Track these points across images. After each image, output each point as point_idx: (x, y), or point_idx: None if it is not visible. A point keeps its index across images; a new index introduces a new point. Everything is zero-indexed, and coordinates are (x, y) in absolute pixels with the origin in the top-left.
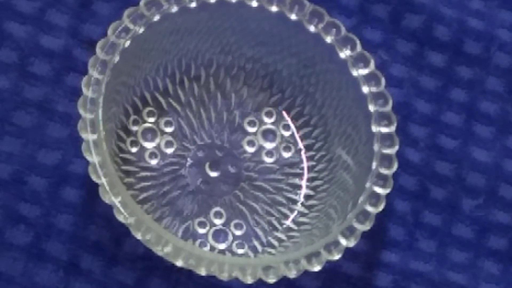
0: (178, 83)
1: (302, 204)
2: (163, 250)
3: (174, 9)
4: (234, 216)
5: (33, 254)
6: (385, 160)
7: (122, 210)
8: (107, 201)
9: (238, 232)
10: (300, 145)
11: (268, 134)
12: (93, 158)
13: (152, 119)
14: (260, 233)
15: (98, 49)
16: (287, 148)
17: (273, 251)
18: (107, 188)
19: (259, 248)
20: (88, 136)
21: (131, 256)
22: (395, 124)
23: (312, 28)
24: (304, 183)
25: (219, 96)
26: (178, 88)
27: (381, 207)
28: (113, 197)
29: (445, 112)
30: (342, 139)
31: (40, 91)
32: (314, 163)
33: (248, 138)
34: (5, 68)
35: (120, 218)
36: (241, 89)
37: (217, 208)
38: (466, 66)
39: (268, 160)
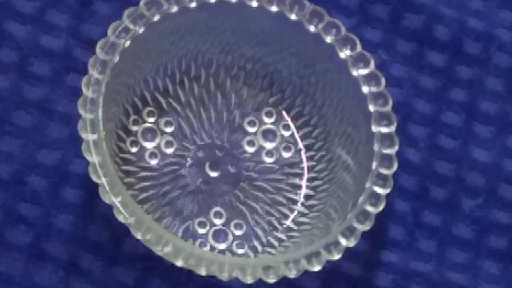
0: (178, 83)
1: (302, 204)
2: (163, 250)
3: (174, 9)
4: (234, 216)
5: (33, 254)
6: (385, 160)
7: (122, 210)
8: (107, 201)
9: (238, 232)
10: (300, 145)
11: (268, 134)
12: (93, 158)
13: (152, 119)
14: (260, 233)
15: (98, 49)
16: (287, 148)
17: (273, 251)
18: (107, 188)
19: (259, 248)
20: (88, 136)
21: (131, 256)
22: (395, 124)
23: (312, 28)
24: (304, 183)
25: (219, 96)
26: (178, 88)
27: (381, 207)
28: (113, 197)
29: (445, 112)
30: (342, 139)
31: (40, 91)
32: (314, 163)
33: (248, 138)
34: (5, 68)
35: (120, 218)
36: (241, 89)
37: (217, 208)
38: (466, 66)
39: (268, 160)
